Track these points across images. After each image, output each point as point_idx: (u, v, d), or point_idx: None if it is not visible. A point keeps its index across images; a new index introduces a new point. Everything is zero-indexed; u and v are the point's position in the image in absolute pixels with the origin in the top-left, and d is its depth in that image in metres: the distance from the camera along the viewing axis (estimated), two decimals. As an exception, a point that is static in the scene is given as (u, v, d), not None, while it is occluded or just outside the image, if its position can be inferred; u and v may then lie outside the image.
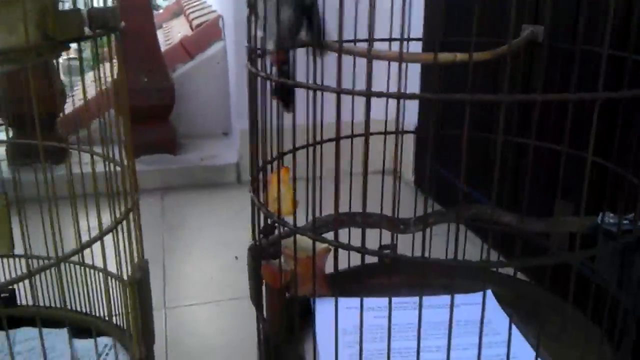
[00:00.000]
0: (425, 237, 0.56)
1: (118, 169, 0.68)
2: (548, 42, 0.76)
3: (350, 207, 0.77)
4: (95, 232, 0.58)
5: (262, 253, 0.65)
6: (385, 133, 0.88)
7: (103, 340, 0.78)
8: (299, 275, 0.61)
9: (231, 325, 1.08)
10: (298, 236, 0.62)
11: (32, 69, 0.50)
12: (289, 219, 0.63)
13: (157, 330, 0.70)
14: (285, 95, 0.72)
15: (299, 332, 0.64)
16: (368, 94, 0.49)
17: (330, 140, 0.79)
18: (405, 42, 0.81)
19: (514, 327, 0.81)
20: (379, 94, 0.49)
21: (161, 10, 3.90)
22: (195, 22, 2.27)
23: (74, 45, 0.60)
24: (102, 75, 0.64)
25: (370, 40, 0.50)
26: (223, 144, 1.90)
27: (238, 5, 1.74)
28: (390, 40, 0.81)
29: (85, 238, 0.57)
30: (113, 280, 0.77)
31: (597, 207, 0.73)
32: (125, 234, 0.63)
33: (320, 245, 0.61)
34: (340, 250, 0.55)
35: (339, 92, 0.50)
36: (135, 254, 0.65)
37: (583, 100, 0.46)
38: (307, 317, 0.81)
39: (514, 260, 0.49)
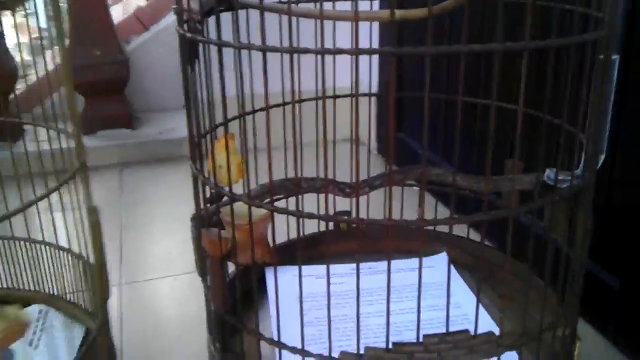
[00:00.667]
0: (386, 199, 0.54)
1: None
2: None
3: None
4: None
5: (203, 223, 0.63)
6: (336, 97, 0.86)
7: (35, 308, 0.76)
8: (238, 243, 0.59)
9: (188, 299, 1.06)
10: (238, 204, 0.60)
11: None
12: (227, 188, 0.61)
13: (113, 306, 0.68)
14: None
15: (250, 301, 0.63)
16: (322, 52, 0.47)
17: (280, 105, 0.77)
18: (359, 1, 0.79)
19: (462, 284, 0.81)
20: (336, 51, 0.47)
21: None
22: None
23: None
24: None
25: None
26: (182, 117, 1.86)
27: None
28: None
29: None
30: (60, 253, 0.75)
31: (547, 164, 0.72)
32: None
33: (261, 212, 0.59)
34: (294, 218, 0.53)
35: (292, 52, 0.48)
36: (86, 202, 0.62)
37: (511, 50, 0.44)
38: (261, 286, 0.79)
39: (450, 218, 0.47)
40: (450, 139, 0.59)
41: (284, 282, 0.55)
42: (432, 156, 0.87)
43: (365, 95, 0.88)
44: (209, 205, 0.67)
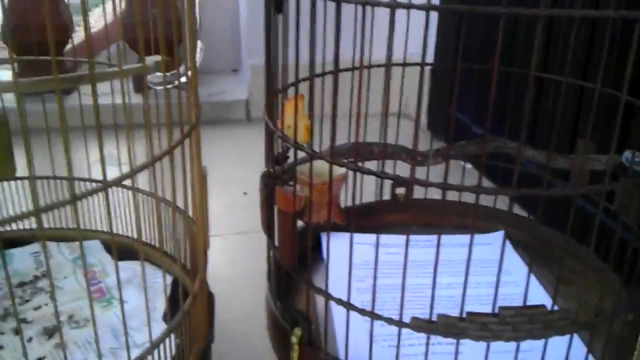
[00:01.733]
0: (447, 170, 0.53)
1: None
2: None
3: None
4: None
5: (275, 179, 0.63)
6: (404, 65, 0.84)
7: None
8: (314, 202, 0.59)
9: (239, 258, 1.07)
10: (314, 162, 0.60)
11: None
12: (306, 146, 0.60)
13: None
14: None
15: (310, 261, 0.63)
16: (394, 5, 0.46)
17: (348, 69, 0.76)
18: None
19: (522, 264, 0.80)
20: (406, 5, 0.46)
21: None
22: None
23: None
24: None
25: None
26: (232, 80, 1.87)
27: None
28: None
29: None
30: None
31: (620, 147, 0.70)
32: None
33: (336, 173, 0.59)
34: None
35: (364, 3, 0.47)
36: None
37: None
38: (316, 249, 0.79)
39: (509, 189, 0.46)
40: (515, 115, 0.58)
41: (340, 246, 0.55)
42: (493, 135, 0.85)
43: (428, 64, 0.87)
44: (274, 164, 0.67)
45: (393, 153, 0.73)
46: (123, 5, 1.71)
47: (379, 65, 0.75)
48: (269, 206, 0.64)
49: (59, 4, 1.63)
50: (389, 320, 0.53)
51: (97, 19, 2.11)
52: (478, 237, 0.78)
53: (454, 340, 0.50)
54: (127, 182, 0.50)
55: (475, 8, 0.43)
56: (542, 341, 0.52)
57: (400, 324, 0.51)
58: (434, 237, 0.83)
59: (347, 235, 0.52)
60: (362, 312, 0.54)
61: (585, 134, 0.68)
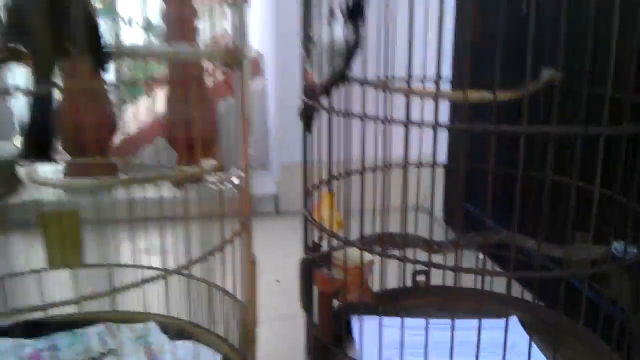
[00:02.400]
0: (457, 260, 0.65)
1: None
2: (562, 85, 0.86)
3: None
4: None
5: (313, 264, 0.74)
6: (419, 165, 0.98)
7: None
8: (348, 283, 0.70)
9: (275, 341, 1.16)
10: (353, 251, 0.72)
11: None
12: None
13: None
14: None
15: (345, 339, 0.73)
16: (407, 123, 0.59)
17: (374, 169, 0.89)
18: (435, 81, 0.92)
19: (535, 347, 0.89)
20: (417, 123, 0.59)
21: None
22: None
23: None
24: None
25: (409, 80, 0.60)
26: (261, 176, 2.01)
27: (280, 47, 1.87)
28: (406, 79, 0.91)
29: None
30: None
31: (614, 237, 0.81)
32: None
33: (365, 258, 0.70)
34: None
35: (384, 120, 0.60)
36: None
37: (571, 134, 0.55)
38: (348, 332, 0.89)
39: (508, 272, 0.57)
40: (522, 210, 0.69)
41: (369, 328, 0.65)
42: (499, 228, 0.96)
43: (438, 165, 1.01)
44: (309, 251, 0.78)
45: (412, 242, 0.84)
46: (163, 105, 1.89)
47: (396, 165, 0.88)
48: (308, 288, 0.75)
49: (105, 104, 1.81)
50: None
51: (135, 115, 2.30)
52: (492, 322, 0.88)
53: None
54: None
55: (473, 125, 0.56)
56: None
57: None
58: (449, 321, 0.93)
59: (376, 318, 0.63)
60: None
61: (582, 225, 0.79)
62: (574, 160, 0.66)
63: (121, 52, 0.60)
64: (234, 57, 0.66)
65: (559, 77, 0.89)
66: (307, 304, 0.76)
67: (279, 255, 1.13)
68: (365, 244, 0.75)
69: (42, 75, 0.56)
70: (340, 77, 0.73)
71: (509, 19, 0.69)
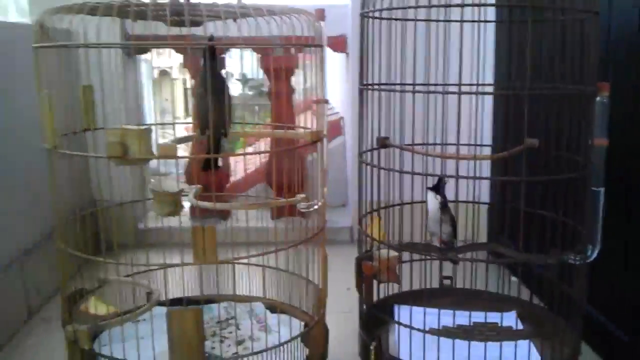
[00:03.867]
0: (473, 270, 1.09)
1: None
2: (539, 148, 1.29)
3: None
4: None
5: (363, 259, 1.20)
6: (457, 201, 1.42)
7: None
8: (381, 270, 1.16)
9: (343, 323, 1.60)
10: (383, 250, 1.18)
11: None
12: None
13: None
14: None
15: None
16: (457, 177, 1.04)
17: (406, 203, 1.35)
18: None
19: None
20: (458, 177, 1.05)
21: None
22: (323, 120, 2.94)
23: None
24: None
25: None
26: (341, 212, 2.49)
27: (355, 111, 2.36)
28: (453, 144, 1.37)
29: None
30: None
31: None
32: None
33: (393, 254, 1.16)
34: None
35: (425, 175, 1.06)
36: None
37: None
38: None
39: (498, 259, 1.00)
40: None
41: (407, 314, 1.10)
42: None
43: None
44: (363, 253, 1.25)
45: (429, 249, 1.28)
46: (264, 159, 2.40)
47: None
48: (359, 274, 1.21)
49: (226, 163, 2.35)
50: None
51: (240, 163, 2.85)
52: (494, 314, 1.29)
53: None
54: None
55: (496, 178, 1.01)
56: None
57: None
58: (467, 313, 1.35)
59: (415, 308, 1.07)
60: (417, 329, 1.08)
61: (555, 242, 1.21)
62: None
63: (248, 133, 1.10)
64: (316, 136, 1.15)
65: (536, 143, 1.32)
66: (359, 284, 1.22)
67: (350, 271, 1.58)
68: (395, 247, 1.21)
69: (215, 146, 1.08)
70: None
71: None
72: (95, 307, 1.11)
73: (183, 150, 1.77)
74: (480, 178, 1.07)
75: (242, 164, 3.03)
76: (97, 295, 1.14)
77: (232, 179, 2.64)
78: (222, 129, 1.20)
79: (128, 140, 0.97)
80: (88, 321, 1.10)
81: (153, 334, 1.05)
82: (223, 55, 2.47)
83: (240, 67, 2.21)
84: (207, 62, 1.09)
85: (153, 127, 1.16)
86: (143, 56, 2.72)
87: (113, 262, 1.10)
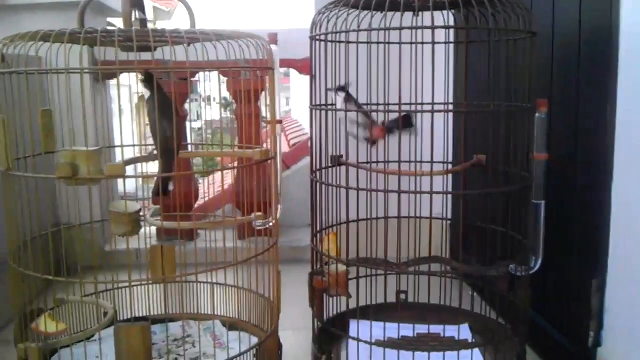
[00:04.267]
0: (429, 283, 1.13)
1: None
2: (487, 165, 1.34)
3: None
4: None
5: (315, 274, 1.24)
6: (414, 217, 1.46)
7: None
8: (331, 284, 1.19)
9: (298, 339, 1.63)
10: (333, 265, 1.21)
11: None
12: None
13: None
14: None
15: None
16: (416, 192, 1.08)
17: (364, 220, 1.39)
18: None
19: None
20: (415, 192, 1.09)
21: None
22: (292, 142, 2.98)
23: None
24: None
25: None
26: (306, 231, 2.52)
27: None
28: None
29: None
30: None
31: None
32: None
33: (343, 269, 1.20)
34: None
35: (386, 192, 1.10)
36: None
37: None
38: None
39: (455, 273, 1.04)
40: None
41: (361, 329, 1.13)
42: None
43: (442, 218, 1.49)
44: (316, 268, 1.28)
45: (378, 263, 1.32)
46: (232, 179, 2.44)
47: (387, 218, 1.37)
48: (312, 289, 1.24)
49: (192, 179, 2.39)
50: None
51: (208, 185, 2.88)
52: (449, 327, 1.33)
53: None
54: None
55: (451, 192, 1.05)
56: None
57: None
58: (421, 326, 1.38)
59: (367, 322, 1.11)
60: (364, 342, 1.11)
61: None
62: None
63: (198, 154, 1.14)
64: (266, 155, 1.19)
65: (483, 159, 1.37)
66: (311, 300, 1.25)
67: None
68: (345, 262, 1.24)
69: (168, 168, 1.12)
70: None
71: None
72: (45, 325, 1.13)
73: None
74: (421, 192, 1.11)
75: (212, 185, 3.07)
76: (49, 314, 1.16)
77: (203, 200, 2.67)
78: (171, 151, 1.23)
79: (78, 161, 1.00)
80: (40, 340, 1.12)
81: (101, 354, 1.08)
82: (193, 79, 2.52)
83: (204, 89, 2.25)
84: (152, 86, 1.13)
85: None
86: (127, 82, 2.76)
87: (63, 280, 1.11)
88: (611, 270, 1.19)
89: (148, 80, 1.16)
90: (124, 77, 3.05)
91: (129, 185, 2.77)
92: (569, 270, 1.36)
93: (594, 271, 1.23)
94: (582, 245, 1.31)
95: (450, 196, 2.15)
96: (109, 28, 1.10)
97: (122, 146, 1.27)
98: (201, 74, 2.19)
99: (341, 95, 1.32)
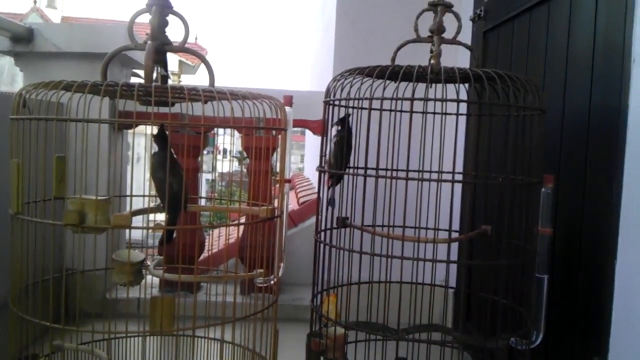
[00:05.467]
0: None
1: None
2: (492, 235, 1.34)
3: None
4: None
5: (313, 336, 1.23)
6: (416, 283, 1.46)
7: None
8: (329, 346, 1.18)
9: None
10: (331, 328, 1.20)
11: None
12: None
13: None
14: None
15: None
16: (415, 259, 1.09)
17: (366, 282, 1.39)
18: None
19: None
20: (417, 259, 1.10)
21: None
22: (301, 199, 3.00)
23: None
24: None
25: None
26: (309, 291, 2.50)
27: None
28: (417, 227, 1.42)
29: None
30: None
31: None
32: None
33: (341, 332, 1.19)
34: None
35: (387, 257, 1.11)
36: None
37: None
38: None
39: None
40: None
41: None
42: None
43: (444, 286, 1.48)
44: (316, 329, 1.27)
45: (378, 329, 1.31)
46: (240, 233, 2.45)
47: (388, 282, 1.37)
48: (309, 350, 1.23)
49: (199, 231, 2.40)
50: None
51: (217, 237, 2.88)
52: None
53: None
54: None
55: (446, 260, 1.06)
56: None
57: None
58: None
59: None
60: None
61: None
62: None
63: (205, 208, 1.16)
64: (271, 213, 1.21)
65: (488, 230, 1.38)
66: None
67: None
68: (343, 325, 1.23)
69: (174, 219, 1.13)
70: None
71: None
72: (38, 371, 1.12)
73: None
74: (424, 260, 1.12)
75: (219, 239, 3.07)
76: (44, 359, 1.15)
77: (208, 252, 2.67)
78: (179, 205, 1.26)
79: (86, 210, 1.01)
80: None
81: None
82: (209, 133, 2.57)
83: (222, 144, 2.30)
84: (162, 141, 1.16)
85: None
86: (146, 133, 2.81)
87: (60, 327, 1.11)
88: (612, 349, 1.18)
89: (161, 135, 1.19)
90: (144, 127, 3.11)
91: (137, 233, 2.78)
92: (570, 347, 1.34)
93: (596, 349, 1.21)
94: (584, 322, 1.29)
95: (453, 265, 2.16)
96: (130, 82, 1.14)
97: (131, 195, 1.29)
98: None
99: (336, 127, 1.35)
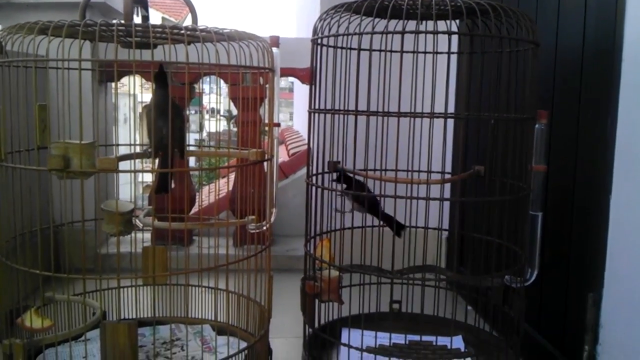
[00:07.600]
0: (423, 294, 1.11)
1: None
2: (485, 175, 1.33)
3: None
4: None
5: (308, 279, 1.22)
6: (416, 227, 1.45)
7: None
8: (323, 289, 1.17)
9: (291, 343, 1.60)
10: (325, 271, 1.19)
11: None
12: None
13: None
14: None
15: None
16: (411, 198, 1.07)
17: (358, 227, 1.38)
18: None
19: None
20: (410, 197, 1.08)
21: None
22: (291, 151, 2.97)
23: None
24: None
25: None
26: (301, 242, 2.48)
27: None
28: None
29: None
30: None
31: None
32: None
33: (335, 274, 1.18)
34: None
35: (381, 196, 1.09)
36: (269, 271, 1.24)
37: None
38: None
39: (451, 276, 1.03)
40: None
41: (353, 337, 1.11)
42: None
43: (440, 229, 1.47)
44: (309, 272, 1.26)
45: (371, 270, 1.30)
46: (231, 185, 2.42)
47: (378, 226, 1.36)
48: (304, 294, 1.22)
49: (190, 183, 2.37)
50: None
51: (208, 193, 2.86)
52: (443, 338, 1.31)
53: None
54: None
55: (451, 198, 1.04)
56: None
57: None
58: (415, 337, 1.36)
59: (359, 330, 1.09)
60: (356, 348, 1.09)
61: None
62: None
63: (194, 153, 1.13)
64: (261, 155, 1.18)
65: (482, 170, 1.36)
66: (303, 305, 1.23)
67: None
68: (337, 267, 1.22)
69: (165, 163, 1.10)
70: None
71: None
72: (31, 320, 1.11)
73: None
74: (417, 198, 1.10)
75: (209, 195, 3.05)
76: (35, 309, 1.14)
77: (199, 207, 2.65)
78: (177, 150, 1.23)
79: (70, 154, 0.98)
80: (25, 336, 1.10)
81: (87, 354, 1.06)
82: (194, 84, 2.51)
83: (209, 103, 2.25)
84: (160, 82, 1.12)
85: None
86: (131, 91, 2.75)
87: (51, 275, 1.09)
88: (607, 285, 1.18)
89: (159, 76, 1.15)
90: (129, 85, 3.04)
91: (126, 193, 2.75)
92: (565, 284, 1.34)
93: (590, 285, 1.21)
94: (579, 258, 1.29)
95: (446, 207, 2.15)
96: (109, 21, 1.10)
97: (116, 144, 1.25)
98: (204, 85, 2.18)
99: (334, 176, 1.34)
